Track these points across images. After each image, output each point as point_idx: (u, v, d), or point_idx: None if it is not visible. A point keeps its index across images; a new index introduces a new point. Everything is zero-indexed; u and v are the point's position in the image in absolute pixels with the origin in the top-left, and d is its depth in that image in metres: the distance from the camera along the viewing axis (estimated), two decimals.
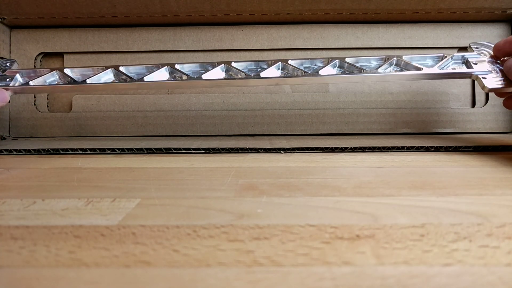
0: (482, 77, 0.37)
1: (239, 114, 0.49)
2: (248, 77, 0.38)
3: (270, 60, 0.40)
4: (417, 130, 0.49)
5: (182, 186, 0.25)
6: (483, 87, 0.36)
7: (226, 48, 0.49)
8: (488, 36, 0.49)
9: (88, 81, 0.38)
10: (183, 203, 0.21)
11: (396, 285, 0.13)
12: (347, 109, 0.49)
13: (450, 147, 0.37)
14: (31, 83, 0.39)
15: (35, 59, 0.49)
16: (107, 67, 0.40)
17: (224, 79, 0.39)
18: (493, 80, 0.36)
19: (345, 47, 0.49)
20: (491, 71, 0.37)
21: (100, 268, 0.14)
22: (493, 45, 0.39)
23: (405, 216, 0.18)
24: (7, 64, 0.41)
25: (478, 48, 0.40)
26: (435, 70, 0.38)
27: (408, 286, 0.13)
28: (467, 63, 0.39)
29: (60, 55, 0.50)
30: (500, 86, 0.36)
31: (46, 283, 0.13)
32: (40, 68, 0.42)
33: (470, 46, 0.40)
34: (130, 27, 0.49)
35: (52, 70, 0.40)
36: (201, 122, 0.49)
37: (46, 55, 0.50)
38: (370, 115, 0.49)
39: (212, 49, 0.49)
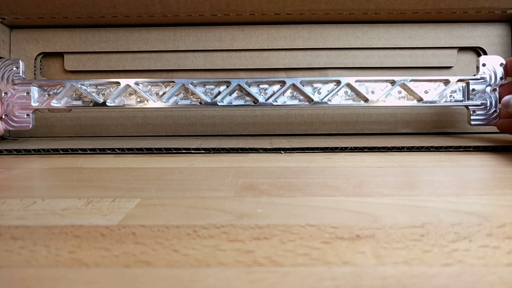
0: (472, 111, 0.42)
1: (239, 114, 0.49)
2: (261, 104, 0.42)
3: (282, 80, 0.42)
4: (417, 130, 0.49)
5: (182, 186, 0.25)
6: (468, 121, 0.42)
7: (226, 48, 0.49)
8: (488, 36, 0.49)
9: (108, 102, 0.42)
10: (183, 203, 0.21)
11: (396, 285, 0.13)
12: (347, 109, 0.49)
13: (450, 147, 0.37)
14: (54, 103, 0.42)
15: (35, 59, 0.49)
16: (119, 81, 0.42)
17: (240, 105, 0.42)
18: (480, 114, 0.42)
19: (345, 47, 0.49)
20: (482, 105, 0.41)
21: (100, 268, 0.14)
22: (503, 61, 0.41)
23: (405, 216, 0.18)
24: (14, 67, 0.41)
25: (485, 65, 0.41)
26: (434, 100, 0.42)
27: (408, 286, 0.13)
28: (467, 89, 0.42)
29: (60, 55, 0.50)
30: (483, 123, 0.41)
31: (46, 283, 0.13)
32: (52, 81, 0.42)
33: (478, 61, 0.42)
34: (130, 27, 0.49)
35: (62, 83, 0.42)
36: (201, 122, 0.49)
37: (46, 55, 0.50)
38: (370, 115, 0.49)
39: (212, 49, 0.49)
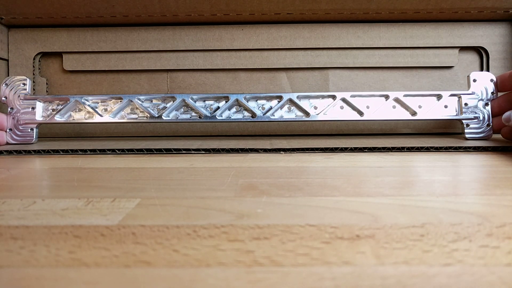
0: (466, 124, 0.42)
1: None
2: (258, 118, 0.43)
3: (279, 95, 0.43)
4: (417, 130, 0.49)
5: (182, 186, 0.25)
6: (463, 134, 0.43)
7: (225, 48, 0.49)
8: (490, 35, 0.49)
9: (110, 117, 0.43)
10: (183, 203, 0.21)
11: (396, 285, 0.13)
12: None
13: (450, 147, 0.37)
14: (57, 118, 0.43)
15: (34, 59, 0.49)
16: (121, 96, 0.43)
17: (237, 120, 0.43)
18: (474, 128, 0.42)
19: (346, 46, 0.49)
20: (475, 118, 0.42)
21: (100, 268, 0.14)
22: (493, 77, 0.43)
23: (405, 216, 0.18)
24: (21, 84, 0.43)
25: (476, 81, 0.43)
26: (429, 115, 0.43)
27: (408, 286, 0.13)
28: (459, 104, 0.43)
29: (59, 54, 0.50)
30: (477, 136, 0.42)
31: (46, 283, 0.13)
32: (57, 96, 0.44)
33: (469, 78, 0.43)
34: (129, 27, 0.49)
35: (67, 98, 0.43)
36: (201, 122, 0.49)
37: (44, 54, 0.50)
38: None
39: (211, 48, 0.49)
